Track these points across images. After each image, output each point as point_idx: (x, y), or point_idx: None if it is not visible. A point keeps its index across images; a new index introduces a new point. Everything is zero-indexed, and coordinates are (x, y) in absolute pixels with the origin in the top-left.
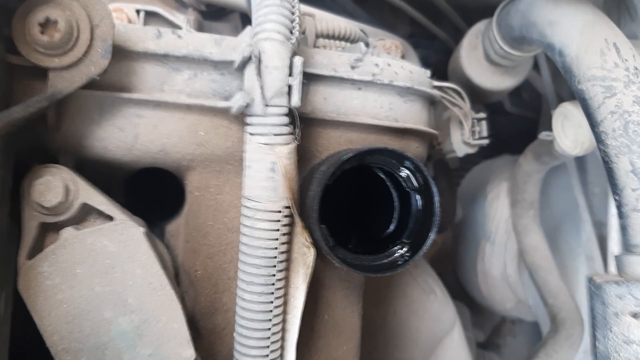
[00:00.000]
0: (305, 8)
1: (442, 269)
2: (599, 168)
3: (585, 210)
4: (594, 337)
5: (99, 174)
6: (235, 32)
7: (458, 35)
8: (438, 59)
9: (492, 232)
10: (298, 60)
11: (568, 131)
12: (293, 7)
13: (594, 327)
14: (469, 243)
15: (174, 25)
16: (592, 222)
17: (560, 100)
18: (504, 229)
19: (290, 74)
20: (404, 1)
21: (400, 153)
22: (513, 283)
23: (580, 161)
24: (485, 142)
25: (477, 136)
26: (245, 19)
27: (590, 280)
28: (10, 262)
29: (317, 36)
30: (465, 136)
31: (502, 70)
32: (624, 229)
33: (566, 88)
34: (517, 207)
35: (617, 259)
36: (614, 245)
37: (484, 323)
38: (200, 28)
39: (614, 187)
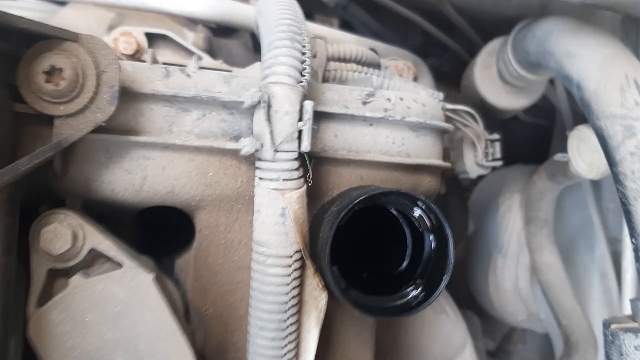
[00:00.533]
0: (317, 29)
1: (453, 279)
2: (613, 184)
3: (599, 227)
4: None
5: (107, 213)
6: (246, 49)
7: (471, 47)
8: (450, 67)
9: (504, 244)
10: (308, 105)
11: (584, 155)
12: (304, 46)
13: None
14: (481, 255)
15: (184, 49)
16: (606, 239)
17: (576, 115)
18: (517, 241)
19: (300, 119)
20: (416, 13)
21: (412, 195)
22: (525, 296)
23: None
24: (499, 163)
25: (490, 157)
26: (256, 37)
27: (606, 326)
28: (19, 308)
29: (329, 59)
30: (478, 158)
31: (517, 90)
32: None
33: None
34: (531, 225)
35: (633, 303)
36: (628, 263)
37: (495, 331)
38: (210, 46)
39: (632, 230)
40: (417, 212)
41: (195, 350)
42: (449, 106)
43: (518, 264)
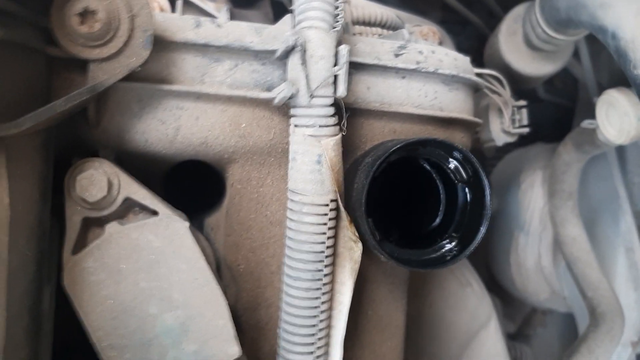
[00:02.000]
0: None
1: (473, 259)
2: (638, 157)
3: (625, 200)
4: None
5: (139, 168)
6: (266, 19)
7: (491, 20)
8: (470, 44)
9: (526, 222)
10: (344, 49)
11: (613, 120)
12: None
13: None
14: (502, 234)
15: (208, 14)
16: (632, 213)
17: (600, 87)
18: (538, 219)
19: (335, 64)
20: None
21: (450, 144)
22: (548, 274)
23: (620, 150)
24: (526, 130)
25: (517, 124)
26: (276, 7)
27: None
28: (53, 259)
29: (354, 23)
30: (505, 125)
31: (543, 55)
32: None
33: (606, 75)
34: (556, 197)
35: None
36: None
37: (515, 314)
38: (231, 15)
39: None
40: (453, 164)
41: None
42: (476, 70)
43: (541, 241)
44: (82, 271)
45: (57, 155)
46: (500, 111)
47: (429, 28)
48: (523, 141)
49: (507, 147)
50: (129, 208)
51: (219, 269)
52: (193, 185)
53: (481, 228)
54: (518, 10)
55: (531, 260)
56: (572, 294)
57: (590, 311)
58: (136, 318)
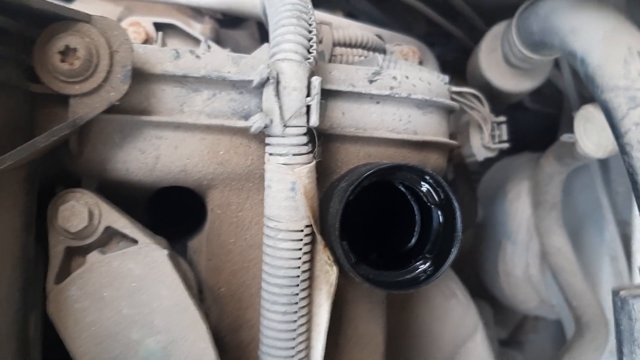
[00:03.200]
0: (322, 16)
1: (463, 267)
2: (622, 167)
3: (608, 209)
4: (620, 352)
5: (121, 195)
6: (252, 39)
7: (475, 34)
8: (455, 56)
9: (513, 231)
10: (316, 80)
11: (591, 134)
12: (310, 25)
13: (620, 341)
14: (490, 243)
15: (191, 38)
16: (615, 222)
17: (582, 99)
18: (526, 228)
19: (308, 94)
20: (420, 1)
21: (420, 169)
22: (536, 283)
23: (603, 160)
24: (505, 145)
25: (497, 140)
26: (262, 27)
27: (615, 294)
28: (38, 286)
29: (335, 44)
30: (484, 140)
31: (522, 72)
32: None
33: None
34: (540, 208)
35: None
36: (639, 244)
37: (506, 320)
38: (217, 36)
39: (639, 199)
40: (425, 187)
41: (209, 328)
42: (455, 89)
43: (528, 250)
44: (66, 299)
45: (41, 185)
46: (480, 127)
47: (409, 48)
48: (511, 150)
49: (495, 156)
50: (111, 236)
51: (201, 291)
52: (177, 209)
53: (453, 249)
54: (498, 29)
55: (519, 269)
56: (560, 302)
57: (576, 321)
58: (120, 343)
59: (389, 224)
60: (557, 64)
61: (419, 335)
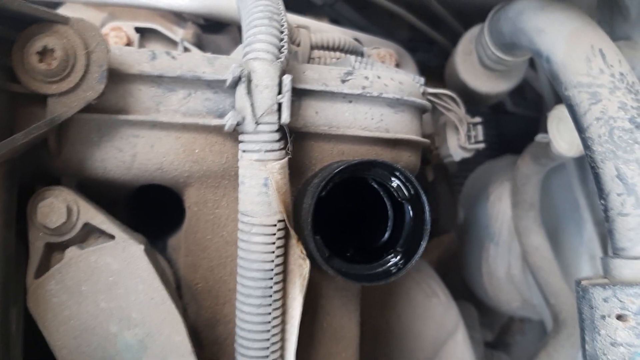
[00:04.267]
0: (300, 20)
1: (448, 270)
2: None
3: (586, 209)
4: (583, 340)
5: (101, 194)
6: (235, 44)
7: (456, 40)
8: (438, 62)
9: (495, 233)
10: (287, 79)
11: (563, 133)
12: (282, 26)
13: (582, 329)
14: (473, 244)
15: (172, 42)
16: (593, 221)
17: (559, 100)
18: (507, 229)
19: (279, 92)
20: (401, 7)
21: (390, 165)
22: (518, 283)
23: (579, 160)
24: (481, 146)
25: (472, 140)
26: None
27: (577, 284)
28: (18, 282)
29: (312, 48)
30: (461, 141)
31: (497, 74)
32: (610, 232)
33: None
34: (518, 208)
35: (603, 261)
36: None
37: (492, 323)
38: (199, 42)
39: (600, 192)
40: (395, 182)
41: (187, 325)
42: (431, 90)
43: (510, 251)
44: (45, 293)
45: (21, 183)
46: (456, 128)
47: (386, 51)
48: (493, 153)
49: (478, 159)
50: (90, 233)
51: (180, 288)
52: (158, 208)
53: (422, 242)
54: (473, 32)
55: (502, 270)
56: (541, 301)
57: (553, 318)
58: (97, 337)
59: (363, 220)
60: (533, 65)
61: (401, 334)
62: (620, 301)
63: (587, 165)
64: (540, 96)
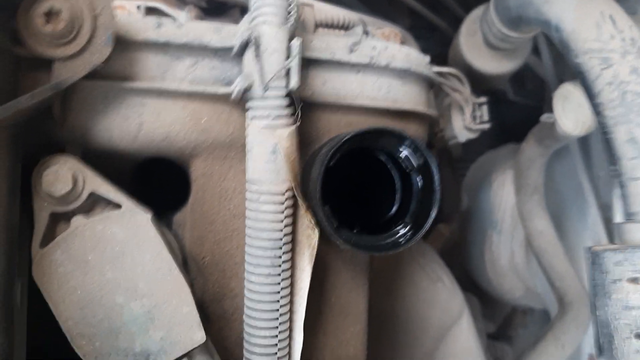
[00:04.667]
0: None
1: (450, 261)
2: (602, 151)
3: (590, 193)
4: (594, 306)
5: (106, 166)
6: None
7: (458, 25)
8: (439, 50)
9: (498, 220)
10: (296, 42)
11: (569, 112)
12: None
13: (593, 296)
14: (476, 233)
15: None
16: (597, 206)
17: (561, 83)
18: (510, 217)
19: (288, 57)
20: None
21: (399, 132)
22: (521, 271)
23: (584, 145)
24: (487, 126)
25: (478, 121)
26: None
27: (589, 250)
28: (24, 253)
29: (317, 25)
30: (466, 121)
31: (502, 54)
32: (623, 197)
33: (567, 72)
34: (521, 192)
35: (616, 226)
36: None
37: (495, 314)
38: None
39: (613, 157)
40: (404, 152)
41: (194, 300)
42: (436, 69)
43: (513, 239)
44: (50, 263)
45: (25, 155)
46: (461, 108)
47: (390, 30)
48: (495, 143)
49: (480, 149)
50: (95, 202)
51: (186, 263)
52: (162, 186)
53: (431, 212)
54: (477, 12)
55: (505, 257)
56: (545, 289)
57: (559, 300)
58: (104, 307)
59: (371, 195)
60: (536, 51)
61: (406, 319)
62: (632, 264)
63: (591, 149)
64: (541, 85)
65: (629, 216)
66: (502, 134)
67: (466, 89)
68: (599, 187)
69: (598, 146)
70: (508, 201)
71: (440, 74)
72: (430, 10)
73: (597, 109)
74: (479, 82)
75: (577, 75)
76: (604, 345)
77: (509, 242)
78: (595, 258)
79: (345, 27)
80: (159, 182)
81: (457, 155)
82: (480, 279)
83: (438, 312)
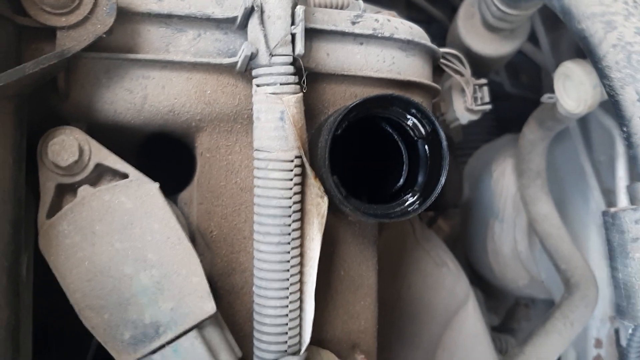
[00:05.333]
0: None
1: (453, 253)
2: (603, 135)
3: (592, 177)
4: (613, 269)
5: (111, 142)
6: None
7: (454, 14)
8: (437, 42)
9: (500, 210)
10: (300, 9)
11: (570, 90)
12: None
13: (612, 259)
14: (478, 223)
15: None
16: (600, 189)
17: None
18: (512, 205)
19: (292, 23)
20: None
21: (407, 99)
22: (524, 259)
23: (584, 129)
24: (488, 107)
25: (479, 102)
26: None
27: (605, 213)
28: (29, 230)
29: (315, 6)
30: (467, 102)
31: (501, 35)
32: (634, 159)
33: (565, 57)
34: (524, 177)
35: (629, 188)
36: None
37: (498, 307)
38: None
39: (622, 118)
40: (411, 120)
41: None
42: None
43: (515, 227)
44: (57, 234)
45: (30, 131)
46: (462, 90)
47: (388, 12)
48: (492, 138)
49: (477, 144)
50: (102, 175)
51: (194, 239)
52: (166, 167)
53: (441, 178)
54: None
55: (507, 246)
56: (549, 276)
57: (565, 282)
58: (112, 279)
59: (379, 167)
60: (534, 39)
61: (412, 304)
62: None
63: (591, 134)
64: (537, 78)
65: None
66: (500, 129)
67: (467, 70)
68: (601, 172)
69: (599, 131)
70: (509, 189)
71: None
72: (427, 2)
73: (602, 73)
74: (477, 65)
75: (579, 41)
76: (624, 306)
77: (512, 230)
78: (613, 219)
79: (342, 7)
80: (162, 162)
81: (458, 141)
82: (483, 270)
83: (444, 296)
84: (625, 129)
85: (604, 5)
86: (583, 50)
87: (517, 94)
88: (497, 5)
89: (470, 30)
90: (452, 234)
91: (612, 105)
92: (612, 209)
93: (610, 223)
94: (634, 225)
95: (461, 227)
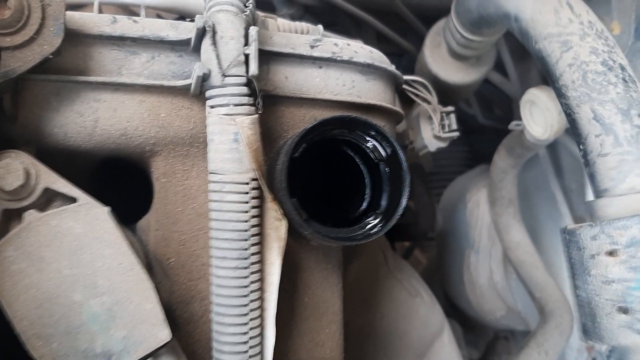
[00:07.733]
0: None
1: (431, 287)
2: (573, 164)
3: (564, 204)
4: (576, 288)
5: (63, 166)
6: None
7: None
8: (407, 74)
9: (475, 240)
10: (253, 30)
11: (537, 117)
12: None
13: (573, 276)
14: (454, 254)
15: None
16: (572, 217)
17: None
18: (487, 235)
19: (246, 44)
20: (368, 14)
21: (364, 121)
22: (501, 289)
23: (554, 158)
24: (456, 134)
25: (447, 129)
26: None
27: (563, 230)
28: None
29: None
30: (435, 130)
31: (467, 63)
32: (591, 176)
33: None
34: (497, 205)
35: (588, 205)
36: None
37: (478, 341)
38: None
39: (578, 137)
40: (371, 142)
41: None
42: (404, 77)
43: (491, 257)
44: (3, 261)
45: None
46: (430, 118)
47: (356, 43)
48: (468, 168)
49: (451, 176)
50: (51, 200)
51: (151, 267)
52: (122, 196)
53: (401, 200)
54: (440, 24)
55: (483, 277)
56: (526, 307)
57: (540, 310)
58: (61, 306)
59: (342, 192)
60: (503, 71)
61: (386, 335)
62: (609, 236)
63: (562, 162)
64: (509, 110)
65: (599, 193)
66: (473, 161)
67: (434, 98)
68: (572, 200)
69: (569, 159)
70: (484, 219)
71: (407, 82)
72: (397, 34)
73: (559, 92)
74: (446, 94)
75: (537, 60)
76: (588, 324)
77: (487, 260)
78: (571, 236)
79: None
80: (119, 192)
81: (428, 170)
82: (460, 301)
83: (418, 326)
84: (581, 147)
85: (560, 26)
86: (541, 70)
87: (491, 126)
88: (461, 33)
89: (437, 58)
90: (430, 266)
91: (569, 123)
92: (570, 226)
93: (567, 240)
94: (591, 242)
95: (438, 259)
